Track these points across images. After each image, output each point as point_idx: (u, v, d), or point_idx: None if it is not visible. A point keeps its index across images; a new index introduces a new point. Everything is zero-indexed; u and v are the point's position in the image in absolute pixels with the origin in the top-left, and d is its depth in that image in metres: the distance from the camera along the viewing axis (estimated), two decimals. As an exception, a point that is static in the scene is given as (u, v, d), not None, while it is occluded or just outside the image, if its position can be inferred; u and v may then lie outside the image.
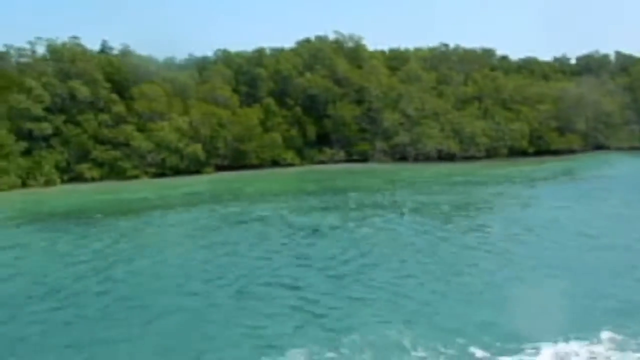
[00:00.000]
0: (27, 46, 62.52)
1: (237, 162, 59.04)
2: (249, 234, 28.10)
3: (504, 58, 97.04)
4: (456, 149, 63.63)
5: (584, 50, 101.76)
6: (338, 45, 76.32)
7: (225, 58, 73.54)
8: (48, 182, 49.32)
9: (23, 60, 62.94)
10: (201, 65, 72.47)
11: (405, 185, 43.17)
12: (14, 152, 49.52)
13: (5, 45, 62.49)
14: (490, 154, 66.42)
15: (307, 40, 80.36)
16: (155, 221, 31.97)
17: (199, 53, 71.89)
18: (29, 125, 51.83)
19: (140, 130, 54.92)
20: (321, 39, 78.78)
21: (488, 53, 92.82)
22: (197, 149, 54.71)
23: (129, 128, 53.93)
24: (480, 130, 65.01)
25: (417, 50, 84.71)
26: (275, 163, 60.35)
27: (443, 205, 33.60)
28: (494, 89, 74.52)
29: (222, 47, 76.34)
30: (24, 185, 48.39)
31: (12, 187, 47.13)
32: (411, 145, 63.19)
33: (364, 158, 64.06)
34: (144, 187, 46.93)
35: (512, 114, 70.89)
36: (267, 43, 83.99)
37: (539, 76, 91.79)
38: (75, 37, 62.43)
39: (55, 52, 58.26)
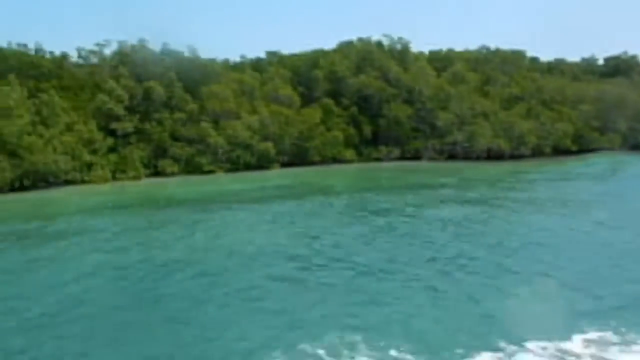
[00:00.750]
0: (96, 48, 66.30)
1: (299, 159, 62.17)
2: (378, 222, 30.87)
3: (534, 59, 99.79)
4: (507, 147, 66.62)
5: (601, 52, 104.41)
6: (381, 47, 79.46)
7: (280, 60, 76.92)
8: (135, 176, 52.53)
9: (84, 62, 66.35)
10: (254, 66, 75.83)
11: (483, 183, 45.80)
12: (103, 148, 52.79)
13: (77, 48, 66.02)
14: (536, 152, 69.60)
15: (350, 42, 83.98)
16: (272, 209, 35.03)
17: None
18: (113, 124, 55.16)
19: (214, 128, 58.07)
20: (363, 41, 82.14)
21: (519, 54, 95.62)
22: (269, 146, 57.92)
23: (206, 126, 57.07)
24: (528, 130, 68.05)
25: (451, 51, 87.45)
26: (334, 160, 63.40)
27: (546, 202, 35.93)
28: (535, 90, 77.65)
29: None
30: (114, 178, 51.61)
31: (105, 180, 50.40)
32: (464, 144, 66.19)
33: (416, 156, 67.12)
34: (232, 180, 50.21)
35: (554, 114, 74.05)
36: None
37: (569, 77, 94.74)
38: (142, 40, 65.89)
39: (127, 55, 61.54)
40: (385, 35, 79.20)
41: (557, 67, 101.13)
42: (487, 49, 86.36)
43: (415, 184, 45.21)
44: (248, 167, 58.01)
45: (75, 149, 49.91)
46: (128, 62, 61.41)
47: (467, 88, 71.90)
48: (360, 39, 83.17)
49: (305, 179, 50.84)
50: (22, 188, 45.07)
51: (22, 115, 47.68)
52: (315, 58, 72.46)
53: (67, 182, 48.54)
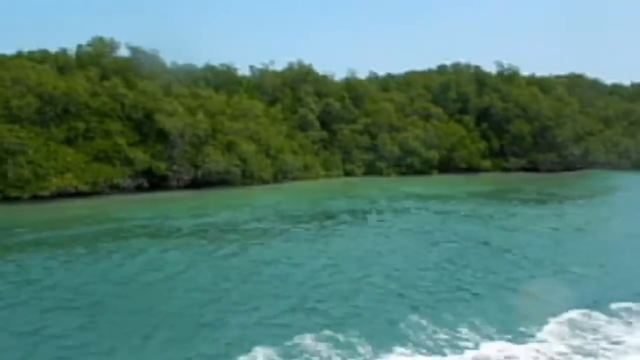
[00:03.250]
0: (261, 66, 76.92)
1: (447, 166, 72.94)
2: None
3: (595, 82, 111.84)
4: (614, 160, 78.24)
5: None
6: (478, 70, 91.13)
7: (396, 80, 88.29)
8: (338, 175, 63.09)
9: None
10: (382, 85, 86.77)
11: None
12: (311, 152, 63.20)
13: (250, 66, 76.52)
14: (633, 165, 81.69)
15: (444, 67, 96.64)
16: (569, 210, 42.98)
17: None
18: (310, 131, 65.64)
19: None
20: (458, 65, 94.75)
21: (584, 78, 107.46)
22: (435, 154, 68.74)
23: (383, 136, 67.74)
24: (631, 146, 79.99)
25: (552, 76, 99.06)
26: (475, 169, 74.10)
27: None
28: (621, 112, 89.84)
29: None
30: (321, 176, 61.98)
31: (318, 177, 60.73)
32: (579, 157, 77.54)
33: (535, 167, 78.20)
34: (426, 182, 60.64)
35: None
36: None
37: (626, 100, 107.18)
38: (300, 60, 76.62)
39: (309, 74, 72.23)
40: (495, 62, 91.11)
41: (616, 91, 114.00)
42: (574, 74, 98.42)
43: (609, 187, 55.13)
44: (415, 172, 68.62)
45: (297, 152, 60.24)
46: (307, 80, 71.95)
47: (571, 109, 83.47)
48: (455, 63, 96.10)
49: (500, 185, 59.80)
50: (275, 181, 55.29)
51: (262, 122, 57.98)
52: (448, 80, 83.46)
53: (294, 178, 58.71)
